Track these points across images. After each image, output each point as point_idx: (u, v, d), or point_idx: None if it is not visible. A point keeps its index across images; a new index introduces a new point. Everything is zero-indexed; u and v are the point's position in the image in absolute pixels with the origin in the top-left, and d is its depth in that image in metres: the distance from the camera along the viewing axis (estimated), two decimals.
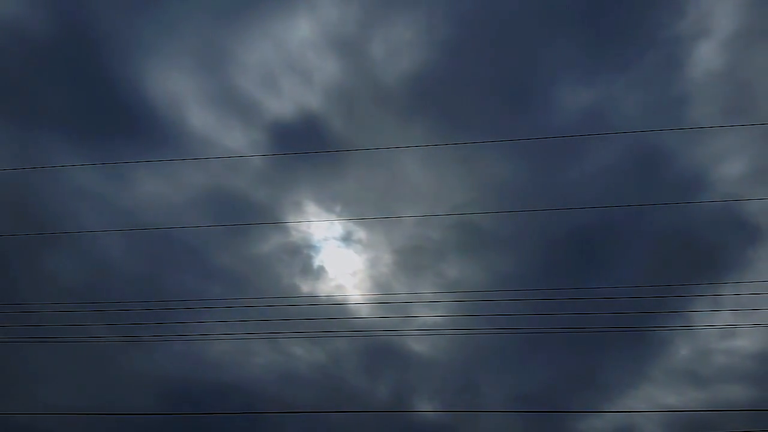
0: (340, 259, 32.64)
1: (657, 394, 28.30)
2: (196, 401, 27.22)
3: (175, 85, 27.88)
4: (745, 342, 27.15)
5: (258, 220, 30.25)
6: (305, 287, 31.04)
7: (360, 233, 32.24)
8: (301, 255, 31.57)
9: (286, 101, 28.78)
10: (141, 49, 27.05)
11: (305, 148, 29.00)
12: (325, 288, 31.55)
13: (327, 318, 12.68)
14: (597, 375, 28.32)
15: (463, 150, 27.97)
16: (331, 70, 28.20)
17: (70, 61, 27.08)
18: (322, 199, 30.24)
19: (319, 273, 31.87)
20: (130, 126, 27.86)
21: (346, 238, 32.31)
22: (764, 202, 26.26)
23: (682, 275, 27.60)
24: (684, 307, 11.78)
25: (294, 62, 28.07)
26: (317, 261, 31.78)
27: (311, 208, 30.31)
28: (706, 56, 26.21)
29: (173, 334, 12.23)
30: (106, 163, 23.93)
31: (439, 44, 27.62)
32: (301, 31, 27.57)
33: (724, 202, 27.06)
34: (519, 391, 28.76)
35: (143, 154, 27.99)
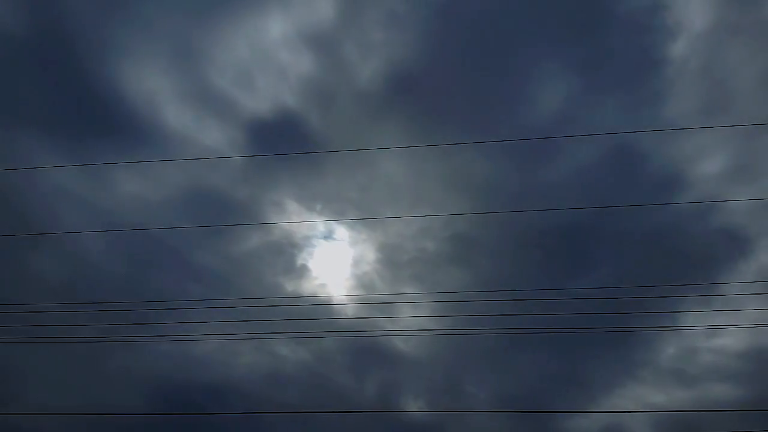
0: (323, 257, 32.50)
1: (644, 393, 28.58)
2: (182, 400, 27.03)
3: (151, 84, 27.78)
4: (730, 340, 27.49)
5: (239, 218, 30.04)
6: (289, 286, 30.90)
7: (342, 231, 32.18)
8: (286, 253, 31.41)
9: (261, 98, 28.88)
10: (116, 48, 26.92)
11: (283, 145, 29.12)
12: (309, 286, 31.44)
13: (314, 318, 12.55)
14: (584, 374, 28.56)
15: (442, 147, 28.12)
16: (306, 67, 28.31)
17: (46, 60, 26.82)
18: (303, 197, 30.22)
19: (302, 271, 31.71)
20: (106, 124, 27.74)
21: (328, 236, 32.20)
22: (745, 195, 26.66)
23: (666, 274, 27.97)
24: (671, 305, 11.84)
25: (269, 60, 28.13)
26: (301, 259, 31.63)
27: (292, 206, 30.24)
28: (682, 52, 26.55)
29: (167, 334, 12.02)
30: (87, 164, 23.55)
31: (414, 41, 27.76)
32: (275, 29, 27.69)
33: (704, 199, 27.42)
34: (506, 391, 28.90)
35: (120, 153, 27.76)
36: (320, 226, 31.88)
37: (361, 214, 30.76)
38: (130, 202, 27.55)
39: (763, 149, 25.72)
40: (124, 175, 27.35)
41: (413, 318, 14.29)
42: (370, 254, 32.19)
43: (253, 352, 28.85)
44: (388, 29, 27.23)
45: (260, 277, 30.57)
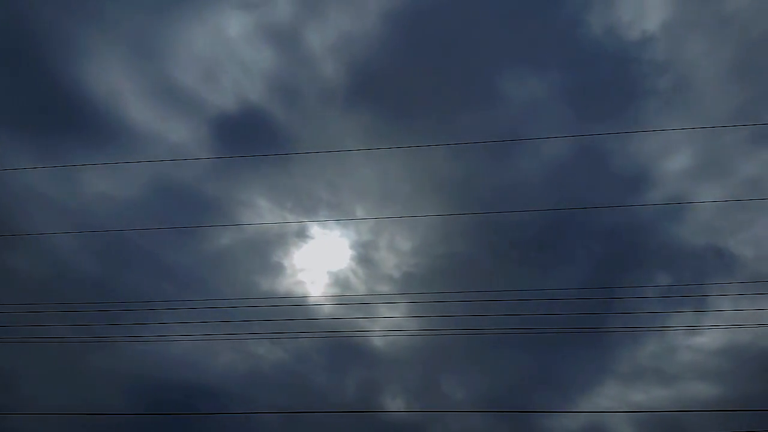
0: (298, 254, 32.36)
1: (623, 391, 29.08)
2: (160, 399, 26.77)
3: (114, 81, 27.54)
4: (707, 338, 28.08)
5: (210, 214, 29.76)
6: (264, 284, 30.74)
7: (316, 229, 32.11)
8: (261, 251, 31.22)
9: (225, 94, 28.85)
10: (78, 46, 26.59)
11: (248, 140, 29.13)
12: (284, 284, 31.30)
13: (293, 318, 12.53)
14: (564, 373, 29.03)
15: (409, 143, 28.37)
16: (269, 62, 28.32)
17: (8, 58, 26.31)
18: (273, 194, 30.16)
19: (277, 269, 31.53)
20: (71, 123, 27.41)
21: (302, 234, 32.10)
22: (713, 196, 27.46)
23: (639, 272, 28.62)
24: (649, 305, 12.18)
25: (231, 55, 28.07)
26: (275, 257, 31.46)
27: (262, 203, 30.12)
28: (647, 47, 27.18)
29: (143, 335, 11.85)
30: (57, 165, 23.01)
31: (377, 34, 27.93)
32: (235, 24, 27.66)
33: (674, 195, 28.15)
34: (486, 390, 29.23)
35: (86, 151, 27.47)
36: (295, 224, 31.72)
37: (331, 210, 30.82)
38: (97, 201, 27.15)
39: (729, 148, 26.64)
40: (92, 173, 26.96)
41: (391, 318, 14.37)
42: (345, 252, 32.26)
43: (230, 351, 28.67)
44: (351, 22, 27.46)
45: (234, 275, 30.35)
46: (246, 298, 11.82)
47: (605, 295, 12.26)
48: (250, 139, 29.07)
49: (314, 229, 31.95)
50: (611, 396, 28.70)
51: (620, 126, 27.62)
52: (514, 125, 28.17)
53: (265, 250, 31.21)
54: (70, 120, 27.31)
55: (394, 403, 29.39)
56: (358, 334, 15.19)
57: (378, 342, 29.26)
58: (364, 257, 32.04)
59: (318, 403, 29.22)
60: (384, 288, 31.59)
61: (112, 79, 27.36)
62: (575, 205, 29.02)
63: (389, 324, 14.21)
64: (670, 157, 27.97)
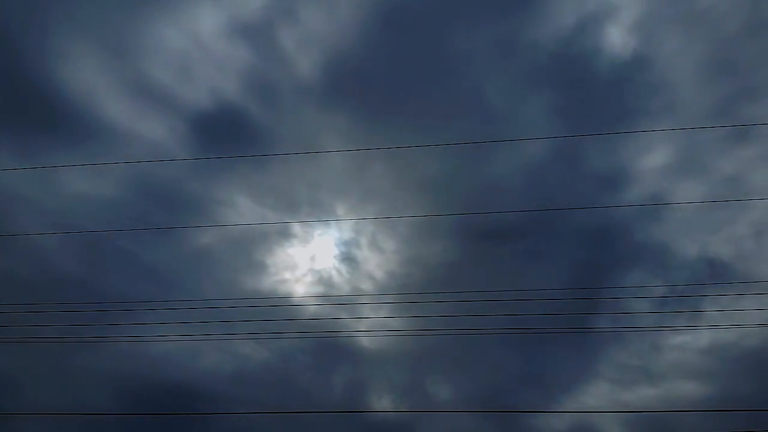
0: (280, 253, 32.14)
1: (611, 390, 29.33)
2: (144, 398, 26.55)
3: (90, 79, 27.18)
4: (690, 337, 28.43)
5: (189, 212, 29.43)
6: (249, 282, 30.50)
7: (297, 227, 31.91)
8: (243, 249, 30.96)
9: (201, 90, 28.61)
10: (53, 44, 26.14)
11: (226, 137, 29.02)
12: (268, 282, 31.07)
13: (281, 318, 12.38)
14: (551, 372, 29.23)
15: (387, 139, 28.41)
16: (244, 58, 28.11)
17: None
18: (253, 191, 29.98)
19: (259, 268, 31.29)
20: (46, 121, 27.01)
21: (284, 232, 31.90)
22: (691, 194, 27.78)
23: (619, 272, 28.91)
24: (631, 305, 12.25)
25: (205, 51, 27.80)
26: (258, 255, 31.21)
27: (242, 200, 29.91)
28: (615, 41, 27.38)
29: (128, 335, 11.59)
30: (36, 166, 22.53)
31: (353, 29, 27.82)
32: (208, 20, 27.39)
33: (651, 194, 28.42)
34: (474, 388, 29.34)
35: (62, 149, 27.11)
36: (278, 222, 31.51)
37: (312, 207, 30.71)
38: (75, 200, 26.78)
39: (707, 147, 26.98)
40: (69, 172, 26.66)
41: (377, 318, 14.28)
42: (327, 250, 32.14)
43: (216, 351, 28.45)
44: (326, 18, 27.31)
45: (217, 273, 30.09)
46: (237, 298, 11.64)
47: (591, 295, 12.31)
48: (227, 136, 28.92)
49: (296, 226, 31.76)
50: (598, 395, 29.00)
51: (598, 126, 27.85)
52: (494, 122, 28.28)
53: (248, 249, 30.97)
54: (46, 120, 26.91)
55: (380, 402, 29.40)
56: (343, 334, 15.08)
57: (364, 341, 29.23)
58: (347, 255, 31.95)
59: (302, 400, 29.14)
60: (366, 286, 31.56)
61: (88, 78, 27.03)
62: (556, 204, 29.21)
63: (373, 323, 14.13)
64: (650, 156, 28.28)
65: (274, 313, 12.46)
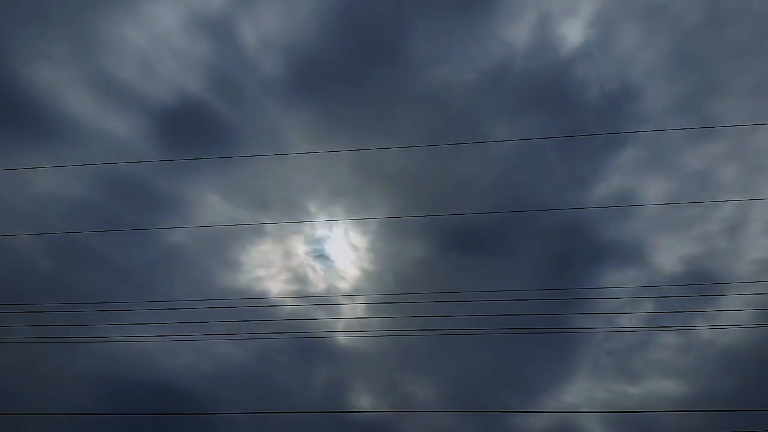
0: (254, 251, 31.85)
1: (589, 387, 29.67)
2: (118, 397, 26.17)
3: (53, 77, 26.69)
4: (668, 336, 28.79)
5: (160, 210, 28.99)
6: (224, 280, 30.20)
7: (271, 225, 31.70)
8: (217, 247, 30.62)
9: (165, 86, 28.30)
10: (14, 42, 25.48)
11: (192, 132, 28.80)
12: (244, 279, 30.80)
13: (259, 318, 12.29)
14: (531, 370, 29.52)
15: (353, 136, 28.51)
16: (206, 54, 27.88)
17: None
18: (224, 189, 29.77)
19: (234, 265, 30.99)
20: (10, 120, 26.36)
21: (257, 229, 31.64)
22: (657, 190, 28.39)
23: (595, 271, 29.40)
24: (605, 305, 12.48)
25: (168, 47, 27.46)
26: (232, 253, 30.91)
27: (213, 198, 29.66)
28: (574, 34, 27.70)
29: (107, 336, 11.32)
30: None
31: (312, 26, 27.72)
32: (171, 15, 27.05)
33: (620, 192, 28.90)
34: (451, 387, 29.52)
35: (28, 149, 26.52)
36: (247, 220, 31.24)
37: (283, 204, 30.60)
38: (43, 200, 26.25)
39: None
40: (34, 171, 26.12)
41: (357, 317, 14.26)
42: (299, 247, 32.06)
43: (191, 350, 28.15)
44: (286, 13, 27.14)
45: (190, 272, 29.74)
46: (214, 299, 11.49)
47: (568, 293, 12.50)
48: (193, 131, 28.63)
49: (270, 225, 31.52)
50: (576, 393, 29.39)
51: (559, 124, 28.14)
52: (459, 118, 28.42)
53: (221, 246, 30.65)
54: (9, 118, 26.27)
55: (357, 400, 29.42)
56: (318, 334, 15.05)
57: (341, 339, 29.20)
58: (321, 253, 31.88)
59: (278, 398, 29.00)
60: (342, 284, 31.54)
61: (52, 76, 26.48)
62: (523, 203, 29.51)
63: (350, 322, 14.13)
64: (617, 153, 28.69)
65: (253, 313, 12.35)
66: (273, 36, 27.67)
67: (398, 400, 29.10)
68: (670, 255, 28.64)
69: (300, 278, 31.45)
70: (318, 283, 31.50)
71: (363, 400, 29.46)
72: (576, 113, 27.94)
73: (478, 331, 11.69)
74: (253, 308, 11.68)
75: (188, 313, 11.50)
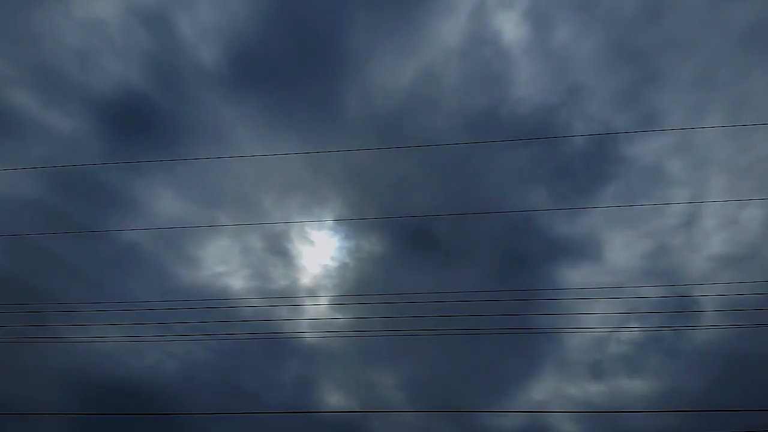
0: (213, 247, 31.36)
1: (558, 384, 30.07)
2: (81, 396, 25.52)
3: None
4: (636, 333, 29.20)
5: (113, 206, 28.22)
6: (183, 277, 29.67)
7: (226, 220, 31.32)
8: (174, 243, 30.02)
9: (108, 80, 27.57)
10: None
11: (135, 125, 28.15)
12: (203, 276, 30.34)
13: (227, 319, 12.17)
14: (500, 367, 29.82)
15: (299, 129, 28.37)
16: (145, 47, 27.26)
17: None
18: (178, 183, 29.22)
19: (193, 262, 30.46)
20: None
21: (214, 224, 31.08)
22: (612, 185, 29.16)
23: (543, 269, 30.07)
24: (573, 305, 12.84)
25: (105, 39, 26.70)
26: (191, 249, 30.35)
27: (166, 191, 29.13)
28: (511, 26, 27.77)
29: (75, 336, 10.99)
30: None
31: (252, 16, 27.43)
32: (107, 7, 26.30)
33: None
34: (421, 385, 29.70)
35: None
36: (204, 215, 30.74)
37: (239, 198, 30.22)
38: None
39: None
40: None
41: (320, 318, 14.25)
42: (257, 243, 31.76)
43: (153, 348, 27.60)
44: (224, 4, 26.71)
45: (149, 269, 29.15)
46: (176, 300, 11.30)
47: (528, 294, 12.86)
48: (138, 125, 27.94)
49: (225, 219, 31.08)
50: (544, 390, 29.73)
51: (503, 120, 28.31)
52: (405, 114, 28.36)
53: (177, 243, 30.07)
54: None
55: (327, 396, 29.43)
56: (282, 334, 15.02)
57: (304, 336, 29.08)
58: (279, 249, 31.68)
59: (244, 397, 28.76)
60: (305, 281, 31.43)
61: None
62: (470, 204, 29.72)
63: (315, 322, 14.15)
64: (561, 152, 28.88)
65: (216, 312, 12.23)
66: (210, 26, 27.11)
67: (365, 399, 29.26)
68: (625, 251, 29.26)
69: (260, 274, 31.18)
70: (278, 278, 31.31)
71: (331, 399, 29.52)
72: (516, 106, 27.93)
73: (439, 330, 11.89)
74: (213, 307, 11.58)
75: (148, 313, 11.31)
